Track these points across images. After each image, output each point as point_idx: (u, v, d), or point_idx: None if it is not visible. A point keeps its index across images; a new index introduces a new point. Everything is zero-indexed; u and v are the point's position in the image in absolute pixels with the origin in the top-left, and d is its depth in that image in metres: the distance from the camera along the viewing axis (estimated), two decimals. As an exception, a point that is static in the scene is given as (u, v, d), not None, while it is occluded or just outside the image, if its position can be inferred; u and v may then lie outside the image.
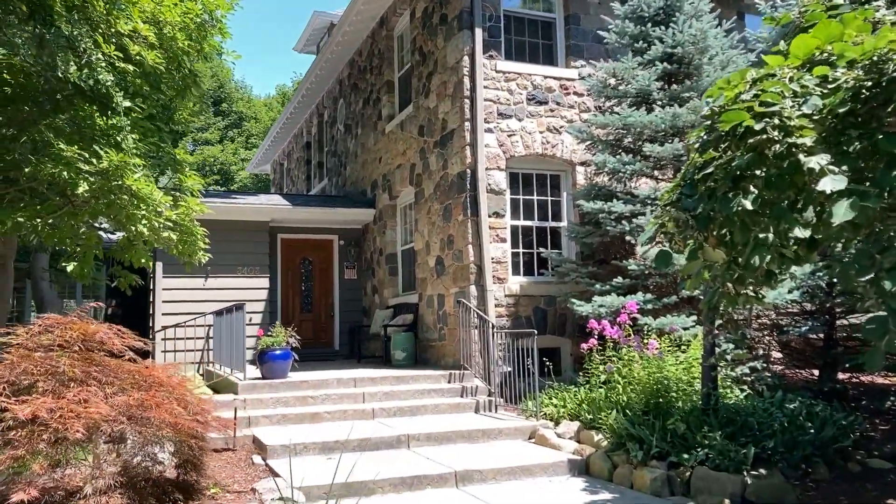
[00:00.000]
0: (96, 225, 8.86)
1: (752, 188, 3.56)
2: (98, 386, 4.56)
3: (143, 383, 4.89)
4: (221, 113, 37.74)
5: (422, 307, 11.62)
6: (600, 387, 7.83)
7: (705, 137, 3.91)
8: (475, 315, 9.63)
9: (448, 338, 10.60)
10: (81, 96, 7.94)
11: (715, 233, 3.76)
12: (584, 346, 8.02)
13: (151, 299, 12.65)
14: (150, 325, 12.56)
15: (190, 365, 11.48)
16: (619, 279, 8.93)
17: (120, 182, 7.36)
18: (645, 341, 7.54)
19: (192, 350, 12.13)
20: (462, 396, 9.17)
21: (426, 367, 10.86)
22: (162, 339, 12.39)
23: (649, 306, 8.44)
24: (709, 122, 3.92)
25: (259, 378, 9.31)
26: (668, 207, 3.95)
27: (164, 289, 12.60)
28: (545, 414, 8.16)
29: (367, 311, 14.16)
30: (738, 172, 3.56)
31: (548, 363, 8.81)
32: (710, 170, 3.69)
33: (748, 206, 3.48)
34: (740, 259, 3.74)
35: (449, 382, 9.54)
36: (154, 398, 4.72)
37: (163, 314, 12.51)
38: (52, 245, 7.72)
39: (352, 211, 13.87)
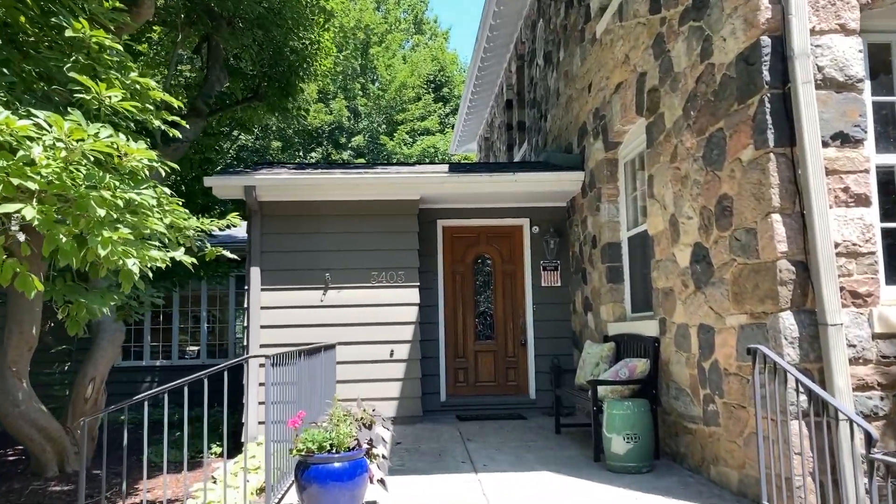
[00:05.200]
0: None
1: None
2: None
3: None
4: (442, 98, 34.18)
5: (665, 346, 5.90)
6: None
7: None
8: (795, 382, 3.80)
9: (726, 420, 4.82)
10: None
11: None
12: None
13: (246, 323, 8.42)
14: (245, 363, 8.29)
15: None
16: None
17: None
18: None
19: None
20: None
21: (675, 479, 5.16)
22: (259, 385, 8.14)
23: None
24: None
25: (298, 517, 4.39)
26: None
27: (262, 307, 8.30)
28: None
29: (578, 338, 8.67)
30: None
31: None
32: None
33: None
34: None
35: (734, 554, 3.83)
36: None
37: (260, 346, 8.21)
38: None
39: (542, 177, 8.39)
